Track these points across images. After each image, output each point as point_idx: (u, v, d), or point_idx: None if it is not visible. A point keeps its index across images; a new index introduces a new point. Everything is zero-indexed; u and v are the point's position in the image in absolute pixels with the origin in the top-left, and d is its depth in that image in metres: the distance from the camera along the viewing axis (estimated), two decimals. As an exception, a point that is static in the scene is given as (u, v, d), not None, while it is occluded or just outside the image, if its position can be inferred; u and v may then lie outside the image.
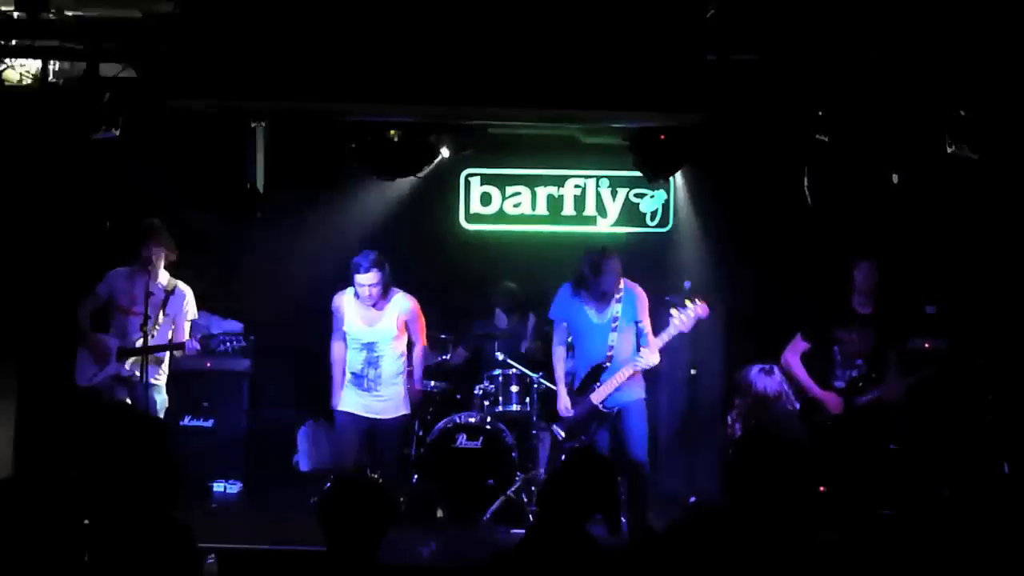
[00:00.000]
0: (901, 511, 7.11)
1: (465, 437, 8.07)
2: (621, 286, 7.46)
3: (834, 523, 6.86)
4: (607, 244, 7.69)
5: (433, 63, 6.38)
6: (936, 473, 7.76)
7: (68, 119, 6.91)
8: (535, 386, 8.23)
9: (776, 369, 7.24)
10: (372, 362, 7.55)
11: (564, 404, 7.54)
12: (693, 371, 8.75)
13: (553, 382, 7.75)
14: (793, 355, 7.40)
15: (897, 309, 7.46)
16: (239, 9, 6.46)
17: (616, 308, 7.43)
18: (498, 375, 8.40)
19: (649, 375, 7.93)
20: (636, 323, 7.48)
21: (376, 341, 7.53)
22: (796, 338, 7.44)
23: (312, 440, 8.92)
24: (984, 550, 5.77)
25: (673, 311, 7.46)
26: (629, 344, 7.48)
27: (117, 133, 6.79)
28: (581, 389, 7.53)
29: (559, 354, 7.65)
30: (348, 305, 7.56)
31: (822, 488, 7.82)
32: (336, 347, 7.64)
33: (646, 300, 7.52)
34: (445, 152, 8.37)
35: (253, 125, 7.36)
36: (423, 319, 7.68)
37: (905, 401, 7.36)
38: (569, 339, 7.69)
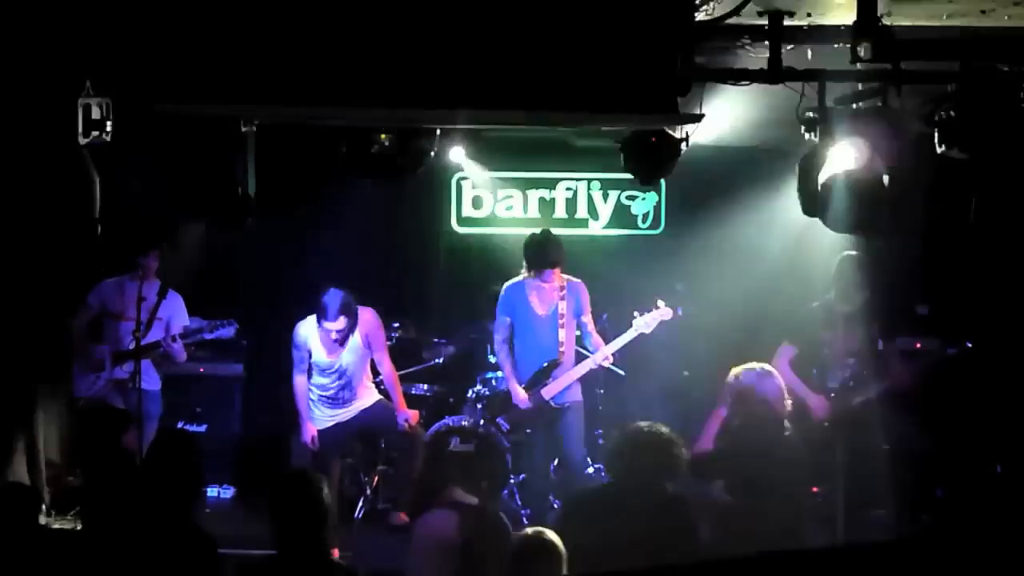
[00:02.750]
0: (895, 512, 7.11)
1: (458, 440, 8.06)
2: (564, 282, 7.55)
3: (828, 524, 6.88)
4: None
5: (423, 67, 6.38)
6: (930, 473, 7.77)
7: (57, 125, 6.89)
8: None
9: (774, 372, 7.23)
10: (345, 385, 7.51)
11: (521, 395, 7.59)
12: (685, 373, 8.77)
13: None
14: (782, 362, 7.41)
15: (880, 306, 7.48)
16: (229, 14, 6.45)
17: (561, 305, 7.53)
18: (491, 378, 8.40)
19: (642, 377, 7.95)
20: (578, 319, 7.59)
21: (343, 365, 7.48)
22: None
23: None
24: (978, 550, 5.77)
25: (635, 314, 7.58)
26: (574, 341, 7.62)
27: (107, 139, 6.77)
28: (531, 384, 7.59)
29: (503, 349, 7.71)
30: (312, 337, 7.44)
31: (815, 489, 7.84)
32: (299, 380, 7.52)
33: (588, 298, 7.61)
34: (436, 155, 8.36)
35: (244, 130, 7.35)
36: (381, 333, 7.60)
37: (909, 391, 7.38)
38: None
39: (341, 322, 7.27)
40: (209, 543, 4.66)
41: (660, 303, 7.71)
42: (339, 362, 7.43)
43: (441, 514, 5.34)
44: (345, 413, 7.55)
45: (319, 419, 7.54)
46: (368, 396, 7.60)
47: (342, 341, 7.38)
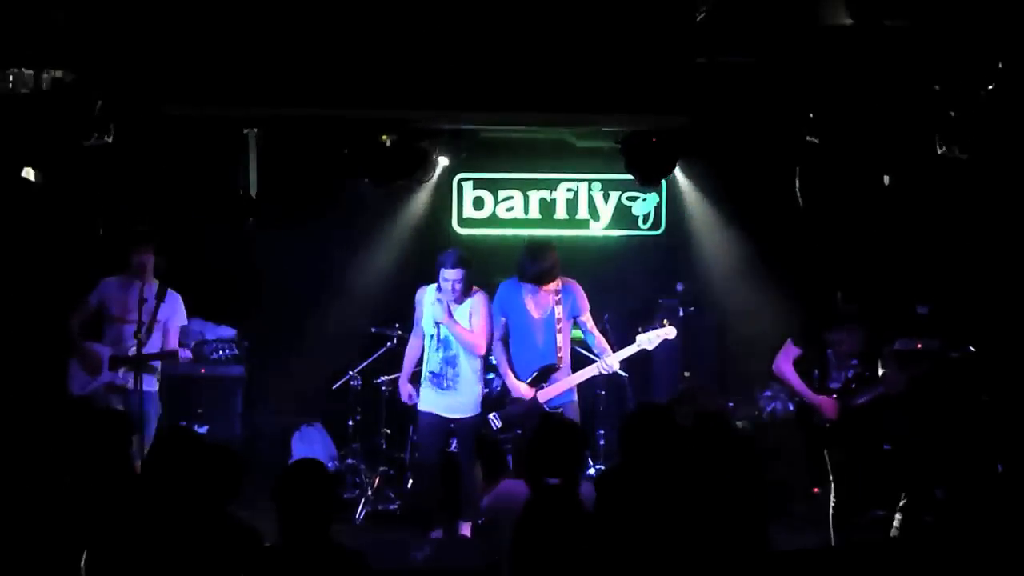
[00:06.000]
0: (896, 511, 7.11)
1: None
2: (559, 285, 7.52)
3: (828, 524, 6.90)
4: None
5: (425, 68, 6.40)
6: (930, 473, 7.77)
7: (60, 126, 6.91)
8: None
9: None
10: (449, 361, 7.53)
11: (522, 389, 7.58)
12: (687, 374, 8.77)
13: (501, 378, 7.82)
14: (786, 361, 7.38)
15: (884, 307, 7.47)
16: (230, 15, 6.47)
17: (557, 309, 7.50)
18: (492, 379, 8.41)
19: (643, 377, 7.91)
20: (576, 319, 7.57)
21: (450, 338, 7.49)
22: (787, 344, 7.43)
23: (306, 444, 8.92)
24: (979, 550, 5.78)
25: (640, 330, 7.57)
26: (570, 344, 7.62)
27: (109, 140, 6.79)
28: (528, 385, 7.58)
29: (498, 346, 7.71)
30: (427, 302, 7.55)
31: (816, 490, 7.86)
32: (411, 343, 7.75)
33: (586, 297, 7.59)
34: (441, 159, 8.39)
35: (245, 131, 7.36)
36: (484, 318, 7.60)
37: (908, 393, 7.36)
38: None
39: (457, 272, 7.38)
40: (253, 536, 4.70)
41: (665, 322, 7.70)
42: (443, 331, 7.50)
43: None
44: (443, 404, 7.58)
45: (426, 400, 7.62)
46: (469, 397, 7.62)
47: (457, 298, 7.44)
